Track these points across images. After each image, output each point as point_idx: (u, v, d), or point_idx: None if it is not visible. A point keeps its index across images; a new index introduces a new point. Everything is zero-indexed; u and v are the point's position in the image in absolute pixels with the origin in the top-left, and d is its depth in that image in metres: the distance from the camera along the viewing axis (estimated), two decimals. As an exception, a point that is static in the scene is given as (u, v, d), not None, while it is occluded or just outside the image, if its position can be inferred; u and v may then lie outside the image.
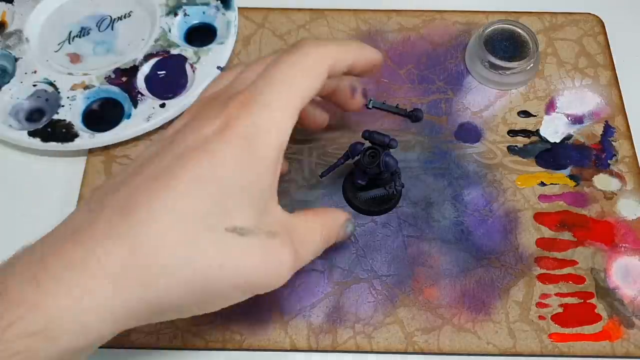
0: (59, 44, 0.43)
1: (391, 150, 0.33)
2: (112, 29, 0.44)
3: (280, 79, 0.25)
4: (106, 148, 0.40)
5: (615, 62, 0.43)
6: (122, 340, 0.34)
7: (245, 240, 0.24)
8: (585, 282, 0.35)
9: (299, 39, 0.44)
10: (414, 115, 0.37)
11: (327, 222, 0.30)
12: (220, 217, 0.23)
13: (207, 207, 0.23)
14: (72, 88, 0.41)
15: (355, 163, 0.34)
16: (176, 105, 0.40)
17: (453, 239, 0.37)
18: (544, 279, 0.35)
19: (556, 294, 0.35)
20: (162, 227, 0.22)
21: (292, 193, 0.38)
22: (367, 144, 0.34)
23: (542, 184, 0.38)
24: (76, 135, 0.39)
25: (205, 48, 0.42)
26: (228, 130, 0.24)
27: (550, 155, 0.40)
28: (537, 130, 0.40)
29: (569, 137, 0.40)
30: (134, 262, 0.22)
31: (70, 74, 0.41)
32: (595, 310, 0.34)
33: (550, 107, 0.41)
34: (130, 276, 0.22)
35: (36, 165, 0.40)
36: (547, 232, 0.37)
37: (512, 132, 0.40)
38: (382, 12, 0.45)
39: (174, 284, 0.23)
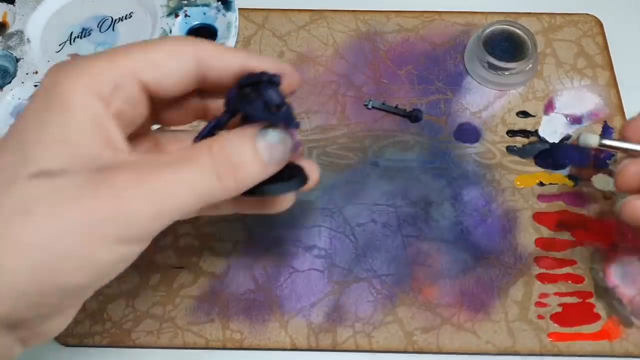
0: (60, 45, 0.44)
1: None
2: (113, 29, 0.44)
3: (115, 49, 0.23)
4: (107, 148, 0.40)
5: (613, 63, 0.43)
6: (122, 340, 0.34)
7: (57, 182, 0.20)
8: (584, 282, 0.35)
9: (299, 39, 0.44)
10: (413, 116, 0.38)
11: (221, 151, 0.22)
12: (20, 166, 0.20)
13: (10, 159, 0.21)
14: (73, 88, 0.41)
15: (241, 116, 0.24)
16: (177, 106, 0.40)
17: (452, 239, 0.37)
18: (543, 278, 0.35)
19: (555, 294, 0.35)
20: None
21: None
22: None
23: (541, 184, 0.39)
24: (77, 136, 0.39)
25: (205, 49, 0.43)
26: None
27: (549, 156, 0.40)
28: (536, 131, 0.41)
29: (567, 137, 0.40)
30: None
31: (71, 74, 0.42)
32: (594, 310, 0.35)
33: (549, 107, 0.42)
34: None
35: (37, 165, 0.40)
36: (546, 232, 0.37)
37: (511, 133, 0.41)
38: (382, 12, 0.45)
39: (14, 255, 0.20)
